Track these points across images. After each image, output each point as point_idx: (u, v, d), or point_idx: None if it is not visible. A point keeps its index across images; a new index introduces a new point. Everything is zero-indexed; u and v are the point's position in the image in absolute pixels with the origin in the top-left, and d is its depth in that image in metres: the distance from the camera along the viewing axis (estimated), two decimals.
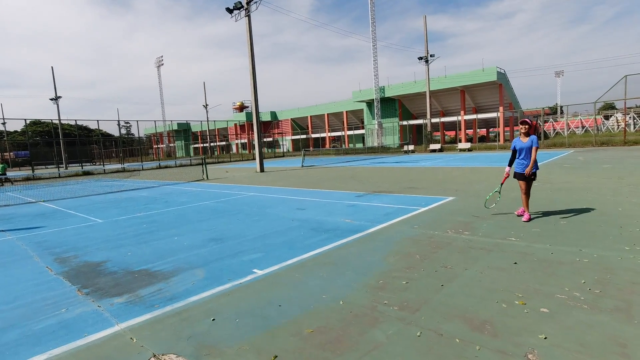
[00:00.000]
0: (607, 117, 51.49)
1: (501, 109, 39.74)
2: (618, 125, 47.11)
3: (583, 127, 46.61)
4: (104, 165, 36.58)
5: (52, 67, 37.93)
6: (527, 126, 6.42)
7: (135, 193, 14.96)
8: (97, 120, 34.06)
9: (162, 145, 76.26)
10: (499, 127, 39.74)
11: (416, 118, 49.47)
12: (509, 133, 45.87)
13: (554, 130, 42.14)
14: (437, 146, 36.19)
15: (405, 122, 47.32)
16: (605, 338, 2.72)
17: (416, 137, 48.62)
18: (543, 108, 35.41)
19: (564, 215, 6.57)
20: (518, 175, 6.53)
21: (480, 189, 10.33)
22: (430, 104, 37.63)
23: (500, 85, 39.99)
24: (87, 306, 3.88)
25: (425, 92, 39.40)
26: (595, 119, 34.94)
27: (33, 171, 31.36)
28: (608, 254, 4.46)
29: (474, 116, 42.29)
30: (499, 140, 38.35)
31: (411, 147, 38.19)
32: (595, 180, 10.63)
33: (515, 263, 4.35)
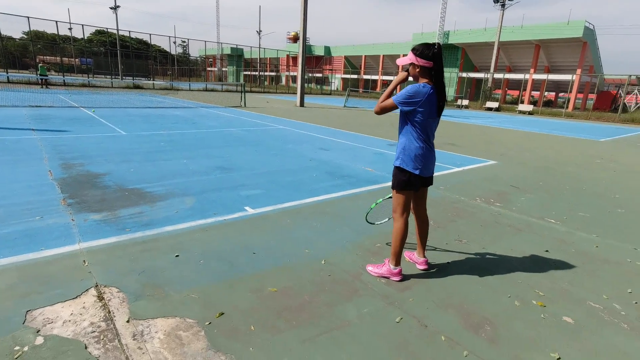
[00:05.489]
0: None
1: (579, 71, 35.03)
2: None
3: None
4: (153, 80, 37.23)
5: None
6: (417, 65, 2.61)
7: (170, 111, 14.93)
8: (150, 34, 33.86)
9: (214, 69, 76.34)
10: (571, 92, 35.40)
11: (478, 71, 45.15)
12: (581, 101, 40.96)
13: (637, 104, 36.97)
14: (495, 104, 33.10)
15: (465, 74, 43.44)
16: None
17: (474, 92, 44.81)
18: (629, 76, 30.67)
19: (623, 203, 5.49)
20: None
21: (529, 157, 9.10)
22: (497, 56, 33.83)
23: (585, 44, 34.82)
24: (62, 218, 3.67)
25: (494, 42, 35.34)
26: None
27: (93, 77, 32.72)
28: None
29: (544, 76, 37.76)
30: (567, 107, 34.40)
31: (465, 102, 35.28)
32: None
33: (547, 251, 3.58)
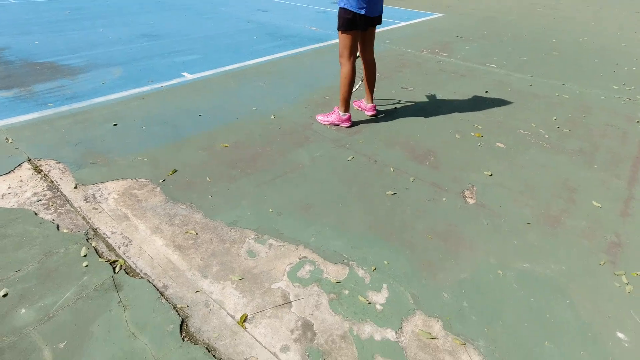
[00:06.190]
0: None
1: None
2: None
3: None
4: None
5: None
6: None
7: None
8: None
9: None
10: None
11: None
12: None
13: None
14: None
15: None
16: (555, 180, 2.38)
17: None
18: None
19: (558, 46, 5.71)
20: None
21: (474, 9, 8.88)
22: None
23: None
24: None
25: None
26: None
27: None
28: (592, 91, 3.90)
29: None
30: None
31: None
32: (607, 11, 9.29)
33: (486, 92, 3.76)
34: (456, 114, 3.24)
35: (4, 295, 1.45)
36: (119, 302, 1.45)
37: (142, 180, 2.21)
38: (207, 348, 1.30)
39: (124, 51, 4.54)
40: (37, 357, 1.24)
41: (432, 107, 3.35)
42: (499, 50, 5.28)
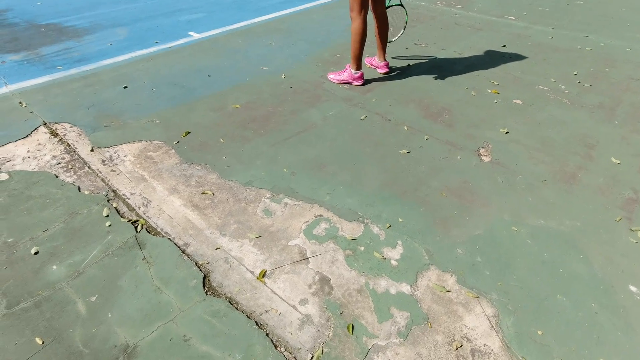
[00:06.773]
0: None
1: None
2: None
3: None
4: None
5: None
6: None
7: None
8: None
9: None
10: None
11: None
12: None
13: None
14: None
15: None
16: (573, 137, 2.33)
17: None
18: None
19: None
20: None
21: None
22: None
23: None
24: None
25: None
26: None
27: None
28: (617, 43, 3.71)
29: None
30: None
31: None
32: None
33: (504, 46, 3.60)
34: (472, 70, 3.13)
35: (35, 253, 1.53)
36: (143, 259, 1.51)
37: (157, 142, 2.23)
38: (229, 301, 1.37)
39: (127, 11, 4.41)
40: (72, 309, 1.32)
41: (447, 64, 3.24)
42: (519, 1, 4.99)
